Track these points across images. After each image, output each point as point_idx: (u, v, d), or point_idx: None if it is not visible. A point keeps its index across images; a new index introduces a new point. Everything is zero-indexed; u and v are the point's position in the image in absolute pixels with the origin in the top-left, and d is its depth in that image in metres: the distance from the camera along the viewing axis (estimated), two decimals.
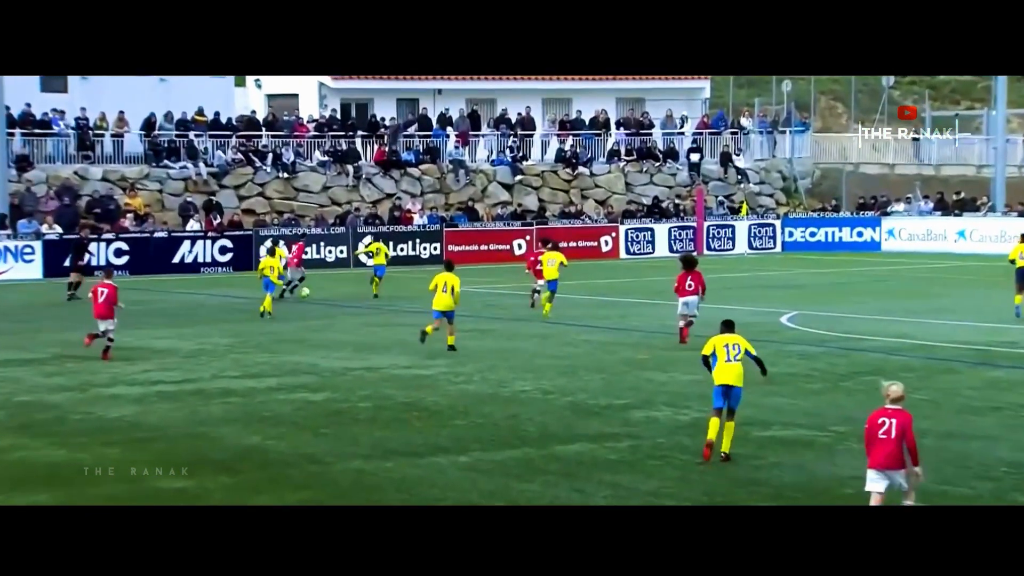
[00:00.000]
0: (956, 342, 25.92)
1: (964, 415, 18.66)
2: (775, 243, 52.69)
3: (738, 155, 56.42)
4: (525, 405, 19.75)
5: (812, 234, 52.85)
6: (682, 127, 57.09)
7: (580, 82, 57.57)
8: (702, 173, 55.66)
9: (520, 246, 49.00)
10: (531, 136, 55.03)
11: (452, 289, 25.05)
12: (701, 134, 56.59)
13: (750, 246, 52.30)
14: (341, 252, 46.80)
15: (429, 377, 22.47)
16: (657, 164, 55.51)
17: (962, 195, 53.00)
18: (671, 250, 50.68)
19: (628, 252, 50.43)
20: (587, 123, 55.57)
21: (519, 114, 54.79)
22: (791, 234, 52.98)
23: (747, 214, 53.26)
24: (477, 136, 54.36)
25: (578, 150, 54.54)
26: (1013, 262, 30.55)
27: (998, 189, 53.43)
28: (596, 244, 50.13)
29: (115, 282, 25.25)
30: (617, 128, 56.03)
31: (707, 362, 16.50)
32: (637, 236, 50.89)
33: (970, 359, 23.71)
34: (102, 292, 24.79)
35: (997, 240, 48.94)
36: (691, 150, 55.81)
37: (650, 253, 50.03)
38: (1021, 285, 30.00)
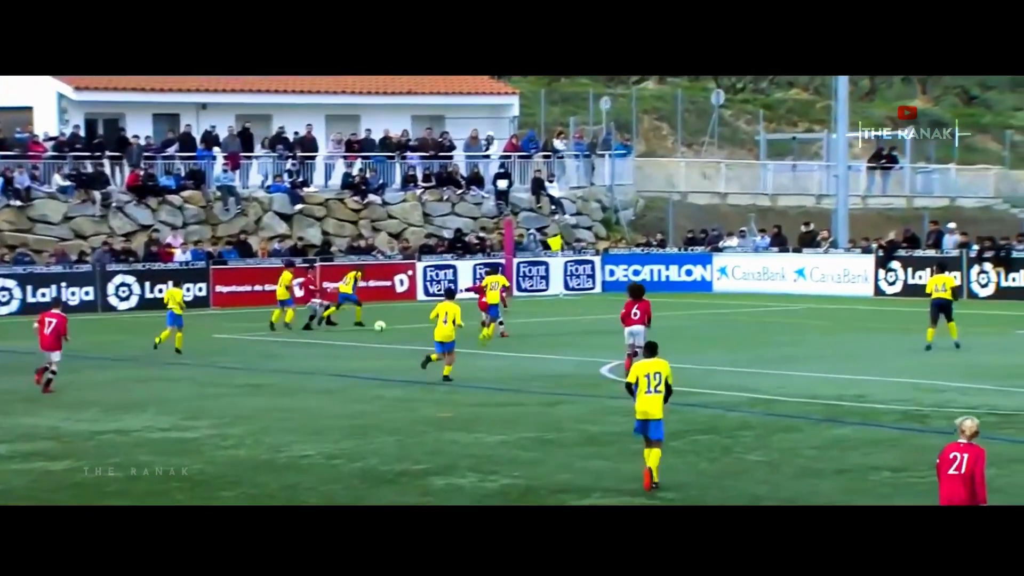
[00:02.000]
0: (798, 396, 26.50)
1: (805, 479, 19.03)
2: (594, 283, 53.36)
3: (551, 182, 57.02)
4: (306, 473, 19.52)
5: (636, 272, 53.59)
6: (488, 149, 57.44)
7: (370, 96, 57.56)
8: (511, 202, 56.08)
9: (301, 286, 48.54)
10: (313, 158, 54.73)
11: (453, 320, 27.97)
12: (509, 158, 57.02)
13: (566, 286, 52.84)
14: (87, 294, 45.80)
15: (193, 441, 22.09)
16: (459, 192, 55.73)
17: (812, 227, 54.39)
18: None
19: (427, 293, 50.42)
20: (378, 144, 55.51)
21: (296, 133, 54.36)
22: (612, 272, 53.70)
23: (562, 249, 53.82)
24: (250, 158, 53.83)
25: (368, 175, 54.43)
26: (930, 294, 33.76)
27: (840, 222, 54.99)
28: (390, 284, 50.04)
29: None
30: (413, 150, 56.08)
31: (630, 390, 18.48)
32: (437, 274, 50.97)
33: (814, 415, 24.24)
34: (49, 323, 26.78)
35: (840, 280, 50.41)
36: (498, 176, 56.19)
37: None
38: (935, 318, 32.78)
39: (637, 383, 18.22)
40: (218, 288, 47.23)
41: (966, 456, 13.52)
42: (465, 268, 50.82)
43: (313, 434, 22.52)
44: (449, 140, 56.85)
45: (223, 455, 20.90)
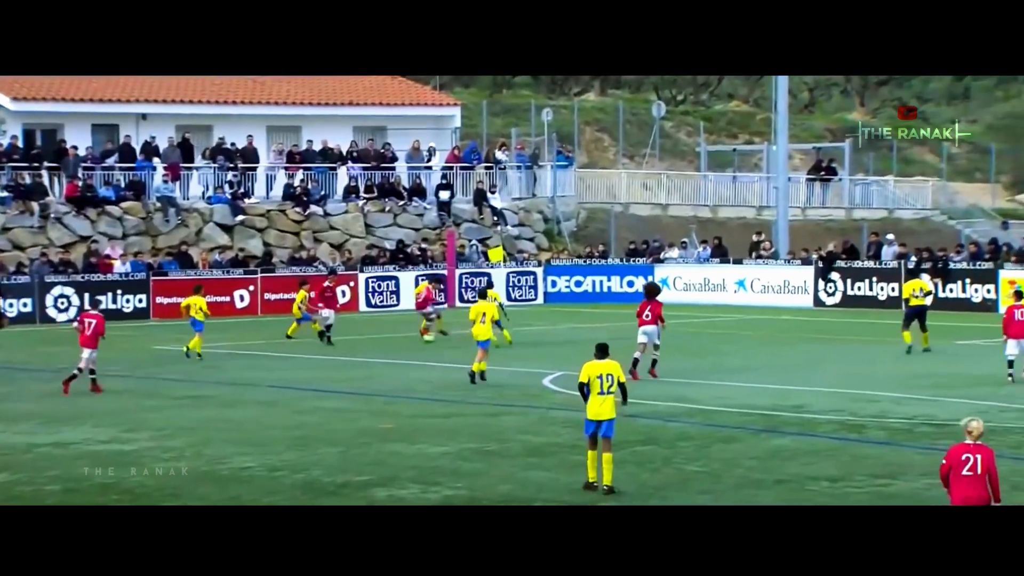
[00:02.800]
0: (738, 406, 26.69)
1: (745, 489, 19.18)
2: (536, 294, 53.49)
3: (493, 193, 57.12)
4: (247, 485, 19.51)
5: (578, 283, 53.84)
6: (430, 161, 57.50)
7: (311, 107, 57.50)
8: (453, 213, 56.15)
9: (243, 297, 48.56)
10: (254, 169, 54.62)
11: (494, 317, 30.11)
12: (452, 169, 57.09)
13: (508, 297, 52.84)
14: (25, 306, 45.53)
15: (132, 452, 22.02)
16: (401, 203, 55.75)
17: (762, 237, 54.66)
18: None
19: (369, 304, 50.43)
20: (320, 155, 55.46)
21: (232, 144, 54.20)
22: (554, 283, 53.87)
23: (504, 260, 53.92)
24: (190, 169, 53.68)
25: (310, 186, 54.39)
26: (907, 300, 35.53)
27: (780, 233, 55.39)
28: (331, 295, 49.82)
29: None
30: (355, 161, 56.06)
31: (583, 391, 18.88)
32: (379, 286, 50.96)
33: (753, 425, 24.42)
34: (89, 323, 28.55)
35: (780, 291, 50.74)
36: (440, 187, 56.24)
37: (394, 305, 50.10)
38: (908, 323, 34.26)
39: (590, 384, 18.70)
40: (158, 299, 47.04)
41: (979, 457, 13.93)
42: (407, 279, 50.79)
43: (254, 445, 22.50)
44: (391, 151, 56.85)
45: (163, 467, 20.84)
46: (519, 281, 53.35)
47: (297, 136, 56.67)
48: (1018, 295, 31.56)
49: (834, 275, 50.59)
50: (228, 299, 48.29)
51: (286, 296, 44.95)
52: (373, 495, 18.82)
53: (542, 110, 63.87)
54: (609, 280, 53.67)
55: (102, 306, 45.16)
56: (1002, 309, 46.66)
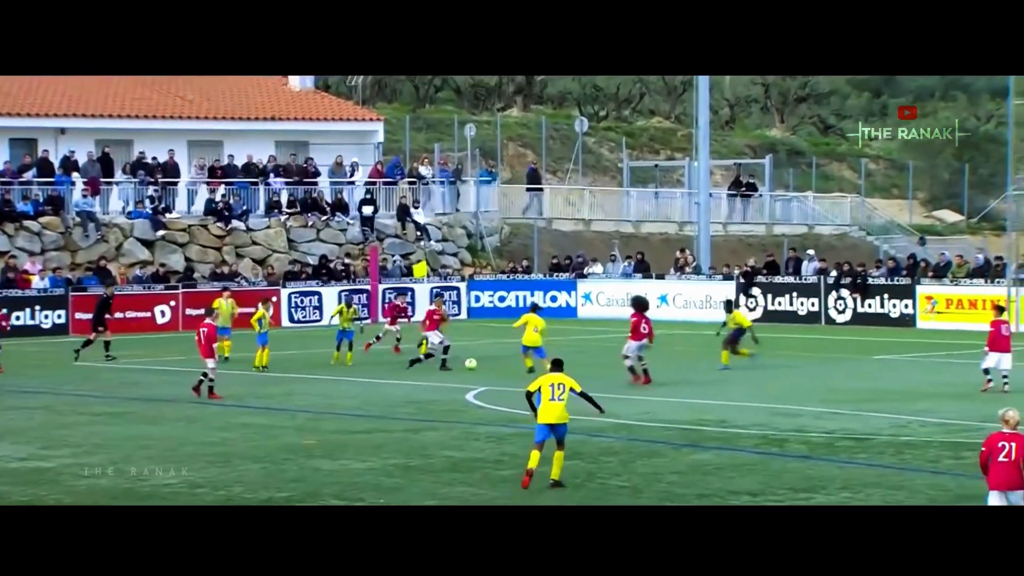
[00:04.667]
0: (661, 421, 26.76)
1: (666, 503, 19.20)
2: (460, 309, 53.42)
3: (417, 208, 57.06)
4: (169, 502, 19.31)
5: (501, 299, 53.85)
6: (353, 176, 57.35)
7: (232, 122, 57.19)
8: (376, 229, 56.02)
9: (164, 313, 48.19)
10: (175, 184, 54.23)
11: (540, 329, 32.69)
12: (375, 184, 56.94)
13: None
14: None
15: (50, 470, 21.74)
16: (324, 218, 55.56)
17: (686, 252, 54.88)
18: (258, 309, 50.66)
19: (292, 319, 50.20)
20: (242, 169, 55.18)
21: (154, 158, 53.78)
22: (477, 299, 53.85)
23: (428, 275, 53.86)
24: (110, 184, 53.22)
25: (232, 201, 54.08)
26: (725, 325, 36.15)
27: (702, 248, 55.70)
28: (253, 310, 49.52)
29: None
30: (277, 176, 55.80)
31: (530, 399, 19.94)
32: (302, 301, 50.76)
33: (676, 440, 24.49)
34: (203, 332, 30.07)
35: (702, 306, 50.95)
36: (363, 202, 56.11)
37: (317, 320, 49.87)
38: (728, 344, 35.26)
39: (540, 392, 19.86)
40: (78, 315, 46.56)
41: (1014, 444, 14.84)
42: (330, 294, 50.60)
43: (176, 462, 22.28)
44: (313, 166, 56.64)
45: (83, 484, 20.60)
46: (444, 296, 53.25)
47: (219, 151, 56.30)
48: (999, 310, 32.30)
49: (755, 290, 50.92)
50: (148, 315, 47.93)
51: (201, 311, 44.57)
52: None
53: (465, 125, 63.89)
54: (532, 295, 53.59)
55: (20, 322, 45.23)
56: (917, 322, 47.33)
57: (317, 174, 56.58)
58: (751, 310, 50.47)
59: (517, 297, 53.50)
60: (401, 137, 64.20)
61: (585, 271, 54.82)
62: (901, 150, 78.65)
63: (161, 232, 52.40)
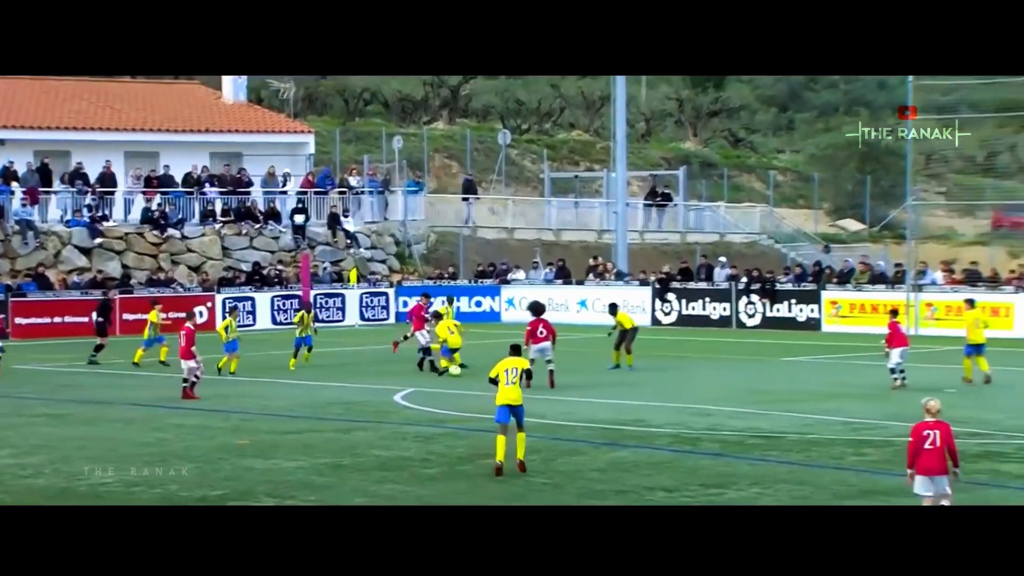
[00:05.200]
0: (582, 420, 26.80)
1: (587, 499, 19.23)
2: (388, 314, 53.31)
3: (347, 217, 56.91)
4: (106, 501, 19.12)
5: (428, 304, 53.69)
6: (285, 186, 57.11)
7: (168, 134, 56.83)
8: (308, 236, 55.82)
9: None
10: (113, 194, 53.76)
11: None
12: (306, 193, 56.75)
13: (362, 317, 52.73)
14: None
15: None
16: (257, 226, 55.28)
17: (599, 260, 55.05)
18: (274, 321, 50.51)
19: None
20: (177, 180, 54.77)
21: (82, 171, 53.20)
22: (405, 304, 53.62)
23: (357, 282, 53.71)
24: (48, 193, 52.67)
25: (167, 210, 53.68)
26: (621, 323, 36.12)
27: (620, 255, 55.97)
28: (184, 315, 49.21)
29: None
30: (212, 186, 55.47)
31: (494, 383, 20.96)
32: (236, 306, 50.36)
33: (595, 439, 24.53)
34: (183, 335, 30.28)
35: (621, 310, 51.10)
36: (295, 211, 55.89)
37: (251, 325, 49.56)
38: (619, 343, 35.64)
39: (498, 378, 20.81)
40: (17, 320, 46.07)
41: (938, 432, 15.41)
42: (263, 300, 50.36)
43: (113, 462, 22.06)
44: (247, 176, 56.35)
45: (21, 484, 20.36)
46: (371, 302, 53.15)
47: (155, 161, 55.88)
48: (894, 313, 32.66)
49: (670, 295, 51.17)
50: (85, 319, 47.39)
51: (144, 316, 44.12)
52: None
53: (393, 138, 63.80)
54: (458, 300, 53.56)
55: None
56: (822, 326, 47.79)
57: (250, 184, 56.30)
58: (666, 315, 50.76)
59: (443, 302, 53.33)
60: (331, 149, 64.01)
61: (508, 277, 54.89)
62: (807, 162, 79.35)
63: (98, 240, 51.94)
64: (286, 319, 48.67)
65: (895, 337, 31.33)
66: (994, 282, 47.66)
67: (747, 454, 22.90)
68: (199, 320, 49.05)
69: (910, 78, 51.56)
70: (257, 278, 52.18)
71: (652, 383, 33.12)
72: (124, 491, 19.82)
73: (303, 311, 39.31)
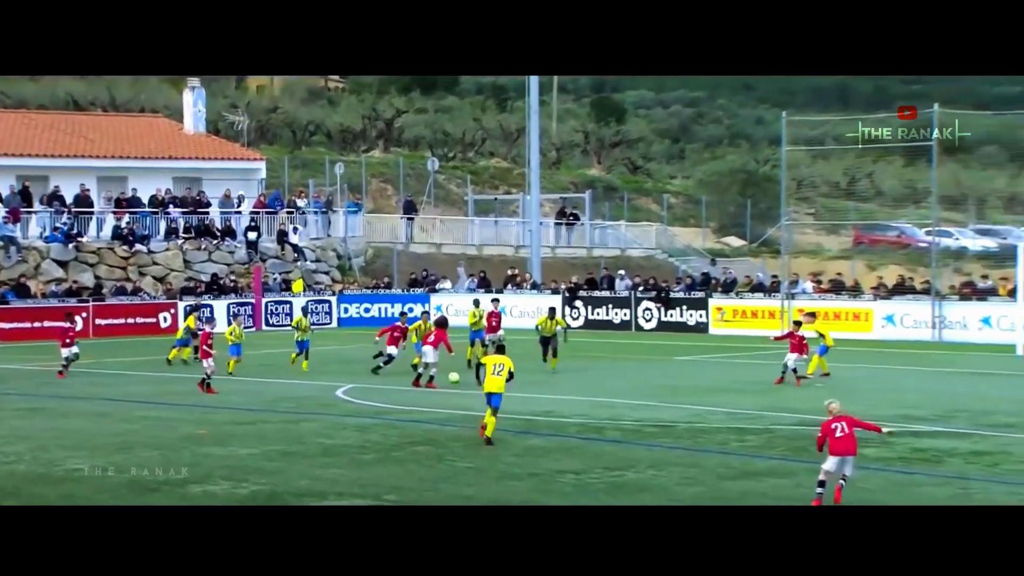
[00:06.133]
0: (501, 412, 26.77)
1: (504, 481, 19.25)
2: (331, 318, 53.05)
3: (295, 233, 56.59)
4: (80, 484, 18.89)
5: (366, 309, 53.57)
6: (239, 206, 56.70)
7: (136, 160, 56.31)
8: (260, 251, 55.43)
9: (79, 322, 47.22)
10: (88, 214, 53.12)
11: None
12: (258, 213, 56.37)
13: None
14: None
15: None
16: (215, 242, 54.84)
17: (515, 271, 55.02)
18: (229, 325, 50.01)
19: (187, 329, 49.35)
20: (144, 201, 54.24)
21: (56, 191, 52.49)
22: (346, 310, 53.51)
23: (304, 291, 53.42)
24: (29, 213, 51.96)
25: (135, 228, 53.12)
26: (539, 328, 35.62)
27: (534, 267, 56.11)
28: (155, 320, 48.87)
29: None
30: (175, 206, 54.99)
31: (478, 371, 22.83)
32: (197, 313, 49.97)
33: (513, 428, 24.54)
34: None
35: (535, 315, 51.14)
36: (248, 228, 55.51)
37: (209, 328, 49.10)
38: (545, 350, 35.08)
39: (486, 367, 22.32)
40: (1, 325, 45.44)
41: (844, 423, 16.59)
42: (220, 307, 49.96)
43: (85, 450, 21.80)
44: (206, 198, 55.94)
45: (3, 470, 20.06)
46: (316, 308, 52.82)
47: (124, 185, 55.33)
48: (797, 325, 32.25)
49: (578, 303, 51.30)
50: (62, 324, 46.82)
51: (115, 321, 43.78)
52: (189, 491, 18.38)
53: (335, 164, 63.57)
54: (393, 307, 53.48)
55: None
56: (711, 329, 48.05)
57: (209, 205, 55.88)
58: (575, 319, 50.87)
59: (380, 308, 53.30)
60: (281, 174, 63.61)
61: (437, 287, 54.82)
62: (696, 187, 79.84)
63: (74, 254, 51.34)
64: (241, 324, 48.19)
65: (798, 346, 31.03)
66: (855, 291, 48.22)
67: (644, 441, 23.01)
68: (163, 324, 48.82)
69: (784, 115, 52.11)
70: (215, 287, 51.83)
71: (562, 379, 33.19)
72: (96, 476, 19.58)
73: (300, 315, 37.92)
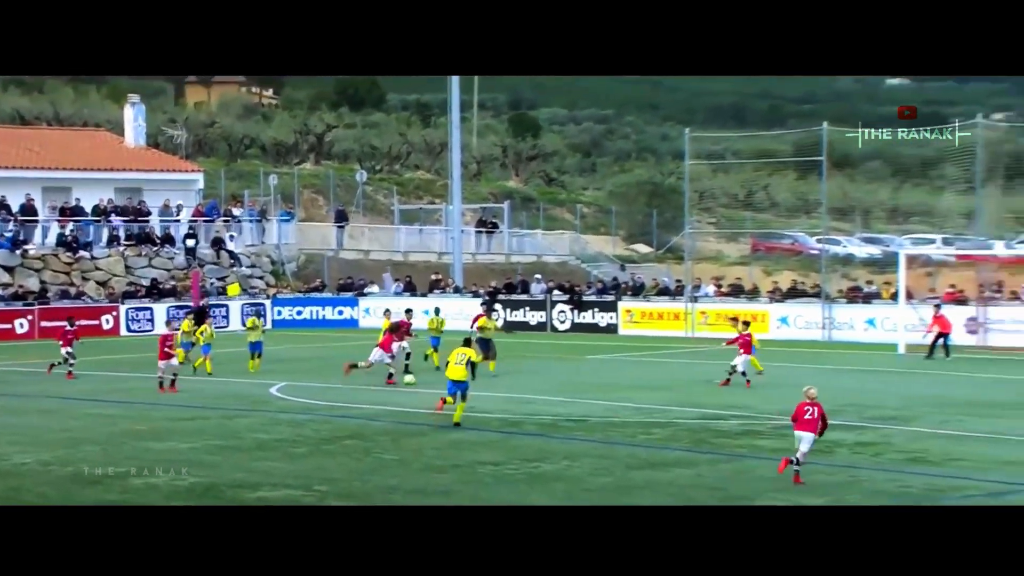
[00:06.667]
0: (426, 407, 26.79)
1: (428, 472, 19.26)
2: (265, 321, 52.45)
3: (231, 240, 56.11)
4: (26, 477, 18.62)
5: (299, 312, 53.25)
6: (178, 215, 56.12)
7: (80, 172, 55.54)
8: (198, 257, 54.89)
9: (22, 325, 46.55)
10: (34, 222, 52.30)
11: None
12: (196, 221, 55.84)
13: (243, 324, 51.92)
14: None
15: None
16: (155, 248, 54.21)
17: (439, 276, 54.95)
18: (168, 327, 49.51)
19: (129, 330, 48.87)
20: (87, 210, 53.53)
21: (3, 201, 51.66)
22: (280, 312, 53.13)
23: (240, 294, 52.98)
24: None
25: (79, 235, 52.38)
26: (481, 330, 34.45)
27: (457, 273, 56.08)
28: (98, 322, 48.23)
29: None
30: (117, 215, 54.32)
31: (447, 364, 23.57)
32: (137, 315, 49.45)
33: (437, 423, 24.53)
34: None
35: (457, 317, 51.16)
36: (187, 236, 54.95)
37: (150, 330, 48.61)
38: (487, 352, 33.47)
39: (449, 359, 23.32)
40: None
41: (816, 408, 17.83)
42: (160, 310, 49.48)
43: (31, 445, 21.49)
44: (146, 207, 55.32)
45: None
46: (251, 311, 52.38)
47: (68, 195, 54.52)
48: (745, 324, 31.86)
49: (498, 306, 51.33)
50: (10, 326, 46.24)
51: (60, 324, 42.84)
52: (130, 483, 18.18)
53: (269, 176, 63.14)
54: (323, 309, 53.35)
55: None
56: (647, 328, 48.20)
57: (149, 214, 55.27)
58: (495, 321, 50.84)
59: (312, 311, 53.05)
60: (217, 185, 63.02)
61: (365, 291, 54.62)
62: (606, 198, 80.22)
63: (20, 260, 50.53)
64: (178, 326, 47.74)
65: (745, 346, 30.35)
66: (753, 294, 48.77)
67: (560, 434, 23.12)
68: (106, 326, 48.18)
69: (687, 131, 52.58)
70: (155, 291, 51.29)
71: (483, 377, 33.21)
72: (41, 469, 19.33)
73: (253, 317, 37.60)
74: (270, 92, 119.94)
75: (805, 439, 17.86)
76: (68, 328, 33.81)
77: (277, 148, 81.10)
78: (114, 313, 48.76)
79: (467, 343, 24.63)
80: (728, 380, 30.21)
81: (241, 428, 23.90)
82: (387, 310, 37.82)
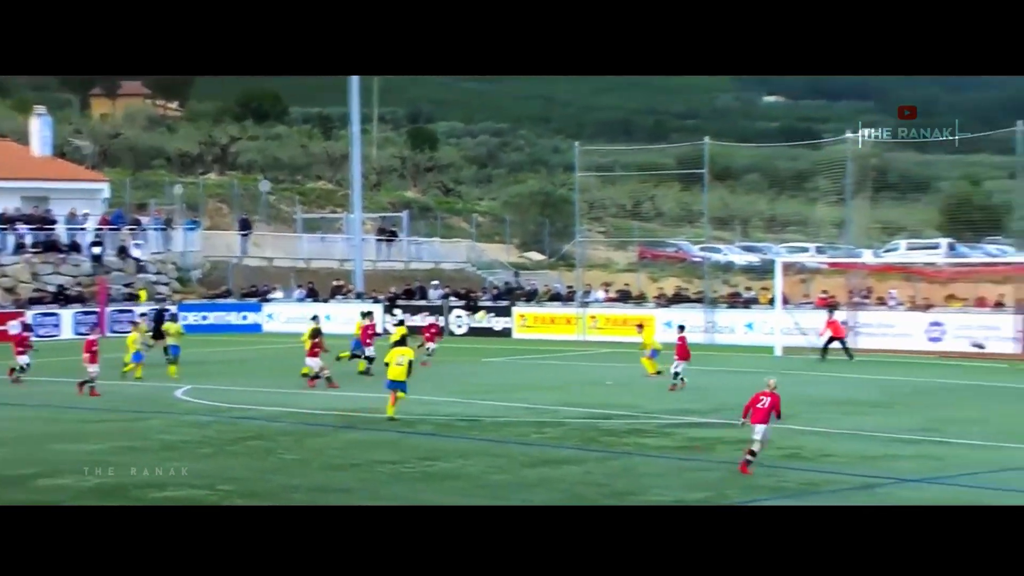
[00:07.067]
0: (326, 409, 26.70)
1: (328, 471, 19.23)
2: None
3: (136, 248, 55.25)
4: None
5: (204, 317, 52.57)
6: (85, 223, 55.09)
7: None
8: (104, 264, 53.94)
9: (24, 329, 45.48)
10: None
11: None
12: (102, 230, 54.88)
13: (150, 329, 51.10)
14: None
15: None
16: (62, 256, 53.16)
17: (342, 282, 54.63)
18: (75, 333, 48.58)
19: (36, 335, 47.75)
20: None
21: None
22: (186, 317, 52.36)
23: (146, 300, 52.17)
24: None
25: None
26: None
27: (358, 279, 55.88)
28: (4, 328, 47.05)
29: None
30: (23, 223, 53.17)
31: (388, 365, 24.02)
32: (44, 320, 48.43)
33: (337, 423, 24.52)
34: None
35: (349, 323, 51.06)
36: (93, 244, 53.96)
37: (56, 335, 47.72)
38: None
39: (390, 362, 24.00)
40: None
41: (769, 399, 17.90)
42: (67, 315, 48.55)
43: None
44: (53, 216, 54.23)
45: None
46: (169, 316, 51.64)
47: None
48: (681, 328, 31.57)
49: (397, 310, 51.23)
50: None
51: None
52: (39, 484, 17.88)
53: (174, 186, 62.28)
54: (228, 315, 52.79)
55: None
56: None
57: (55, 222, 54.20)
58: (395, 325, 50.65)
59: (217, 317, 52.45)
60: (123, 194, 61.96)
61: (269, 297, 54.16)
62: (501, 207, 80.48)
63: None
64: (85, 332, 46.86)
65: (681, 350, 30.12)
66: (640, 300, 49.34)
67: (454, 433, 23.21)
68: (12, 332, 47.01)
69: (577, 145, 53.07)
70: (62, 298, 50.28)
71: (381, 379, 33.08)
72: None
73: (142, 323, 36.87)
74: (175, 104, 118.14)
75: (757, 430, 18.04)
76: (24, 335, 33.26)
77: (182, 159, 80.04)
78: (20, 319, 47.54)
79: (403, 342, 25.26)
80: (674, 386, 29.79)
81: (148, 430, 23.60)
82: (368, 312, 37.55)
